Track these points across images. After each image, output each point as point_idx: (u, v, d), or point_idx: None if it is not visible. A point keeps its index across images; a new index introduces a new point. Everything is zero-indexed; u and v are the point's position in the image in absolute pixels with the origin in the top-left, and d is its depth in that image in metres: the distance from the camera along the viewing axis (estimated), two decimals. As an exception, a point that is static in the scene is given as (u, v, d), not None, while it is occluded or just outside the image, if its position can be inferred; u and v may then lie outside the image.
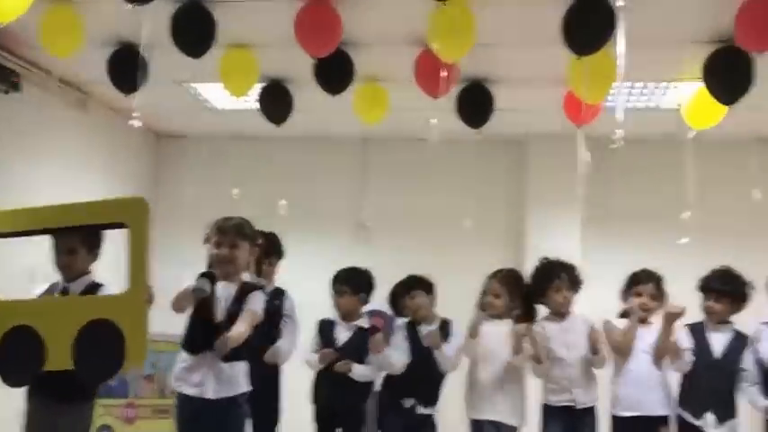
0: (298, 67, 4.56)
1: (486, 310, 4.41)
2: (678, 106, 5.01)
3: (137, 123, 4.35)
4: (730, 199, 5.11)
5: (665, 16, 4.11)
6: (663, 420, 4.31)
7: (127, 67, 4.48)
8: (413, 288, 4.63)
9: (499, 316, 4.37)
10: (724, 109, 4.39)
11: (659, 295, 4.40)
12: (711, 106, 4.37)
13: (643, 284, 4.40)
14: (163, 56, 4.34)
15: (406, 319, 4.64)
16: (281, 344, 4.48)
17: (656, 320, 4.37)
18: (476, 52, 4.27)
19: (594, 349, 4.31)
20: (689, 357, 4.31)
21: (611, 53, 3.78)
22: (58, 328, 2.80)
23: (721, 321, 4.37)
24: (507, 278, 4.49)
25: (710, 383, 4.31)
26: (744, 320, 4.41)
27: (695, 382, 4.33)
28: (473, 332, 4.31)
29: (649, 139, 6.12)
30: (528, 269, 4.59)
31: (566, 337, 4.37)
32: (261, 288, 3.79)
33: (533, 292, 4.48)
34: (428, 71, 4.29)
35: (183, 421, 3.58)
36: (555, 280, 4.41)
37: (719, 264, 4.42)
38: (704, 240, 4.61)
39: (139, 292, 2.77)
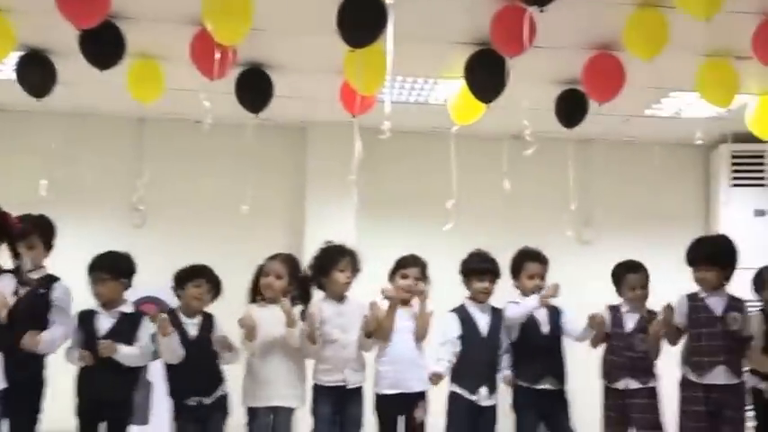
0: (61, 36, 4.39)
1: (263, 292, 4.52)
2: (444, 102, 5.39)
3: None
4: (486, 189, 5.57)
5: (432, 16, 4.41)
6: (421, 396, 4.66)
7: None
8: (195, 277, 4.60)
9: (274, 299, 4.46)
10: (483, 106, 4.80)
11: (424, 278, 4.78)
12: (472, 103, 4.76)
13: (409, 268, 4.76)
14: None
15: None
16: (45, 334, 4.18)
17: (416, 302, 4.72)
18: (256, 37, 4.41)
19: (368, 333, 4.58)
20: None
21: (383, 47, 3.94)
22: None
23: (480, 301, 4.83)
24: (288, 260, 4.63)
25: (481, 359, 4.75)
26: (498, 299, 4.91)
27: (468, 359, 4.73)
28: (249, 334, 4.35)
29: (420, 131, 6.56)
30: (307, 255, 4.79)
31: (341, 320, 4.58)
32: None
33: (316, 273, 4.65)
34: (204, 52, 4.30)
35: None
36: (340, 261, 4.61)
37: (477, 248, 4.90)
38: (464, 227, 5.01)
39: None
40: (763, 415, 4.56)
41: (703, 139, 5.40)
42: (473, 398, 4.67)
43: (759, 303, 4.74)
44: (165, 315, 4.43)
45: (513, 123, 4.61)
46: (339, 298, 4.64)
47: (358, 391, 4.61)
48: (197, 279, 4.60)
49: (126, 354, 4.40)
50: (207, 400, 4.49)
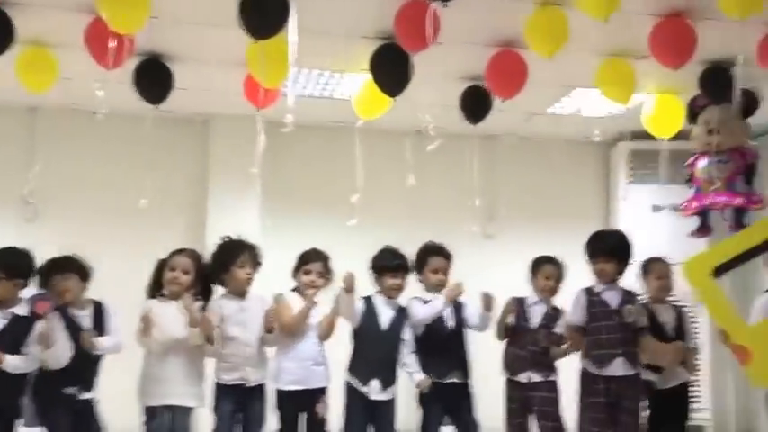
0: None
1: (168, 287, 4.44)
2: (349, 96, 5.38)
3: None
4: (391, 184, 5.60)
5: (337, 9, 4.40)
6: (322, 392, 4.66)
7: None
8: (64, 269, 4.43)
9: (178, 295, 4.40)
10: (388, 101, 4.80)
11: (327, 273, 4.77)
12: (377, 98, 4.75)
13: (312, 263, 4.74)
14: None
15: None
16: None
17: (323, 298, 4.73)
18: (155, 26, 4.32)
19: (269, 328, 4.54)
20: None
21: (287, 40, 3.92)
22: None
23: (391, 296, 4.85)
24: (194, 255, 4.57)
25: (377, 352, 4.75)
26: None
27: (364, 350, 4.74)
28: (146, 330, 4.28)
29: (324, 125, 6.54)
30: (209, 249, 4.72)
31: (242, 316, 4.52)
32: None
33: (216, 269, 4.59)
34: (99, 40, 4.18)
35: None
36: (240, 257, 4.56)
37: (382, 243, 4.91)
38: (369, 222, 5.03)
39: None
40: (654, 405, 4.70)
41: (603, 136, 5.54)
42: (364, 389, 4.68)
43: (643, 295, 4.90)
44: (44, 330, 4.22)
45: (417, 119, 4.63)
46: (240, 294, 4.59)
47: (260, 389, 4.57)
48: (63, 272, 4.42)
49: (13, 365, 4.21)
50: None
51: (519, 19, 4.26)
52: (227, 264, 4.57)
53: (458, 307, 4.89)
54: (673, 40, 4.35)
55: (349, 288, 4.56)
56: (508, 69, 4.75)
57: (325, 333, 4.69)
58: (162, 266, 4.53)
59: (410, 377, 4.75)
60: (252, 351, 4.52)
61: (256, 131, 4.31)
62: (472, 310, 4.86)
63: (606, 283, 4.73)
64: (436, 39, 3.96)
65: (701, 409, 6.53)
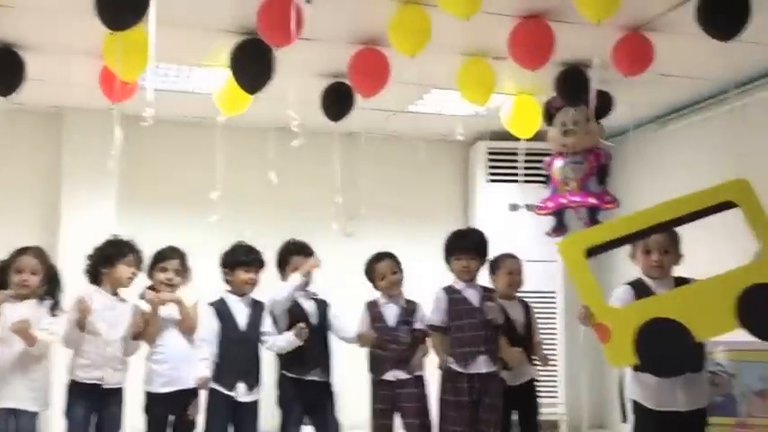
0: None
1: (17, 289, 4.24)
2: (210, 91, 5.25)
3: None
4: (253, 181, 5.53)
5: (198, 2, 4.30)
6: (194, 393, 4.54)
7: None
8: None
9: (27, 296, 4.23)
10: (250, 97, 4.73)
11: (184, 270, 4.66)
12: (238, 94, 4.66)
13: (168, 260, 4.62)
14: None
15: None
16: None
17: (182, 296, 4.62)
18: (5, 14, 4.17)
19: (135, 335, 4.42)
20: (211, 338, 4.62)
21: (145, 31, 3.80)
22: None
23: (244, 292, 4.77)
24: (41, 253, 4.38)
25: (240, 354, 4.65)
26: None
27: (226, 355, 4.63)
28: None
29: (184, 120, 6.41)
30: (62, 247, 4.54)
31: (112, 314, 4.38)
32: None
33: (99, 262, 4.44)
34: None
35: None
36: (129, 255, 4.45)
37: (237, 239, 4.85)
38: (231, 219, 4.95)
39: None
40: (505, 402, 4.79)
41: (462, 135, 5.63)
42: (231, 394, 4.59)
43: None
44: None
45: (279, 115, 4.58)
46: (116, 293, 4.46)
47: (117, 392, 4.41)
48: None
49: None
50: None
51: (382, 17, 4.27)
52: (114, 259, 4.43)
53: (321, 305, 4.88)
54: (531, 41, 4.45)
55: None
56: (371, 67, 4.76)
57: (189, 328, 4.57)
58: (6, 266, 4.31)
59: (286, 344, 4.64)
60: (113, 352, 4.37)
61: (112, 125, 4.17)
62: (337, 312, 4.86)
63: (466, 281, 4.80)
64: (299, 35, 3.93)
65: (556, 403, 6.76)
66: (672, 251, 3.73)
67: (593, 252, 3.43)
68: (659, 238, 3.67)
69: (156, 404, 4.50)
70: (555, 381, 6.72)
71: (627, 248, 3.83)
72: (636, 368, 3.67)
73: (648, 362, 3.31)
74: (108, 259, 4.45)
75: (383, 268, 4.88)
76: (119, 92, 4.61)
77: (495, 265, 5.01)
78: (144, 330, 4.49)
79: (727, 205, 3.37)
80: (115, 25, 3.82)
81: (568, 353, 6.80)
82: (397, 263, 4.92)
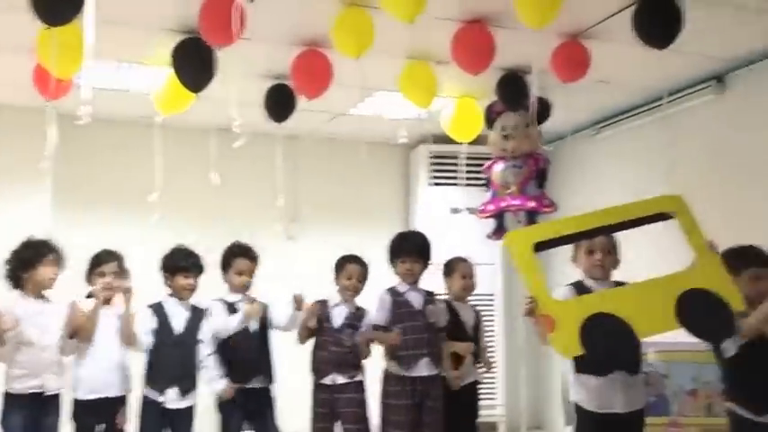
0: None
1: None
2: (149, 90, 5.13)
3: None
4: (194, 182, 5.44)
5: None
6: (122, 401, 4.46)
7: None
8: None
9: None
10: (191, 97, 4.64)
11: (123, 273, 4.55)
12: (179, 93, 4.58)
13: (105, 264, 4.51)
14: None
15: None
16: None
17: (119, 300, 4.53)
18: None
19: (70, 334, 4.30)
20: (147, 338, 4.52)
21: (81, 27, 3.64)
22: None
23: (183, 298, 4.68)
24: None
25: (174, 359, 4.56)
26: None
27: (160, 359, 4.54)
28: None
29: (122, 120, 6.27)
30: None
31: (41, 320, 4.25)
32: None
33: (17, 266, 4.30)
34: None
35: None
36: (48, 255, 4.31)
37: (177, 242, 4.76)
38: (171, 221, 4.86)
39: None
40: (447, 404, 4.78)
41: (405, 139, 5.62)
42: (161, 399, 4.51)
43: (445, 294, 5.00)
44: None
45: (221, 116, 4.49)
46: (40, 295, 4.32)
47: (56, 399, 4.29)
48: None
49: None
50: None
51: (325, 18, 4.23)
52: (34, 261, 4.29)
53: (263, 309, 4.80)
54: (473, 45, 4.46)
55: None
56: (314, 69, 4.71)
57: (126, 337, 4.47)
58: None
59: (209, 385, 4.60)
60: (50, 357, 4.25)
61: (46, 124, 4.04)
62: (278, 311, 4.78)
63: (410, 284, 4.78)
64: (242, 35, 3.85)
65: (495, 405, 6.79)
66: (613, 253, 3.80)
67: (540, 247, 3.46)
68: (603, 239, 3.75)
69: (83, 412, 4.39)
70: (494, 382, 6.74)
71: (563, 254, 3.87)
72: (578, 370, 3.71)
73: (592, 355, 3.32)
74: (27, 262, 4.31)
75: (354, 271, 4.82)
76: (53, 89, 4.45)
77: (449, 269, 5.02)
78: (80, 330, 4.36)
79: (663, 216, 3.48)
80: (51, 20, 3.70)
81: (508, 355, 6.85)
82: (366, 273, 4.87)
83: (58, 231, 4.86)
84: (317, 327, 4.76)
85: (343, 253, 4.93)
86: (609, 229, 3.61)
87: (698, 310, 3.30)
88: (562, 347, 3.36)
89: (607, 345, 3.30)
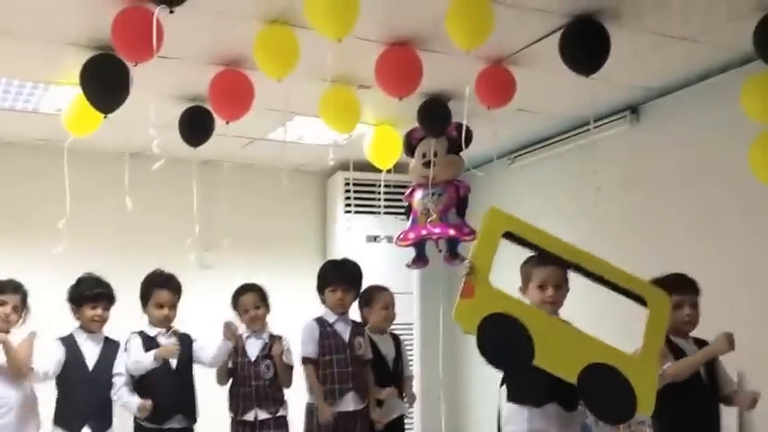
0: None
1: None
2: (57, 111, 4.80)
3: None
4: (103, 209, 5.10)
5: (43, 12, 3.85)
6: None
7: None
8: None
9: None
10: (100, 118, 4.30)
11: (23, 307, 4.19)
12: (89, 114, 4.23)
13: (7, 294, 4.15)
14: None
15: None
16: None
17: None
18: None
19: None
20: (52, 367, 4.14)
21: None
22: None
23: (92, 330, 4.32)
24: None
25: (86, 396, 4.21)
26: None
27: (71, 396, 4.17)
28: None
29: (28, 143, 5.87)
30: None
31: None
32: None
33: None
34: None
35: None
36: None
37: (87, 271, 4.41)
38: (79, 249, 4.51)
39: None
40: None
41: (321, 165, 5.41)
42: None
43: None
44: None
45: (134, 139, 4.19)
46: None
47: None
48: None
49: None
50: None
51: (246, 36, 3.99)
52: None
53: (184, 342, 4.47)
54: (398, 69, 4.29)
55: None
56: (233, 90, 4.44)
57: (17, 369, 4.08)
58: None
59: (126, 407, 4.23)
60: None
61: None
62: (202, 344, 4.47)
63: (339, 314, 4.54)
64: (159, 50, 3.57)
65: (414, 434, 6.59)
66: (563, 286, 3.59)
67: (509, 236, 3.35)
68: (556, 272, 3.52)
69: None
70: (411, 412, 6.53)
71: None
72: (511, 399, 3.55)
73: (480, 344, 3.24)
74: None
75: (246, 302, 4.55)
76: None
77: (368, 299, 4.80)
78: None
79: (639, 299, 3.38)
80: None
81: (425, 384, 6.64)
82: (262, 297, 4.62)
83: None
84: (232, 365, 4.46)
85: (239, 286, 4.67)
86: (581, 272, 3.45)
87: (603, 384, 3.24)
88: (461, 317, 3.26)
89: (499, 345, 3.23)
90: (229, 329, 4.42)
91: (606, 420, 3.63)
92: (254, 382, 4.44)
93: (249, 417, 4.42)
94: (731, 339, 3.65)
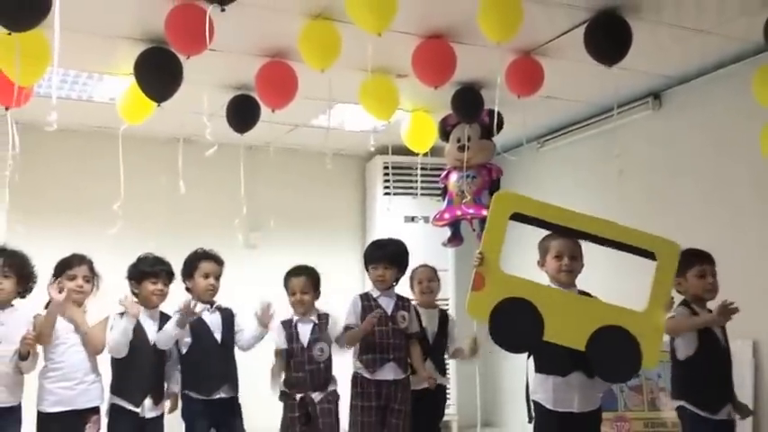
0: None
1: None
2: (111, 100, 4.89)
3: None
4: (156, 192, 5.18)
5: (102, 7, 3.95)
6: (94, 411, 4.12)
7: None
8: None
9: None
10: (152, 106, 4.38)
11: (93, 277, 4.23)
12: (142, 103, 4.33)
13: (76, 267, 4.16)
14: None
15: None
16: None
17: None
18: None
19: (24, 354, 3.89)
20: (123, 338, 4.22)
21: (46, 36, 3.48)
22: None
23: (157, 305, 4.39)
24: None
25: (147, 369, 4.22)
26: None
27: (133, 368, 4.19)
28: None
29: (84, 129, 5.97)
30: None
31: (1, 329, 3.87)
32: None
33: None
34: None
35: None
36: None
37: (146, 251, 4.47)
38: (131, 231, 4.60)
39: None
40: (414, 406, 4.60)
41: (361, 149, 5.45)
42: (137, 410, 4.18)
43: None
44: None
45: (184, 126, 4.25)
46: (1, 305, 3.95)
47: (10, 411, 3.90)
48: None
49: None
50: None
51: (290, 30, 4.04)
52: None
53: (227, 317, 4.50)
54: (434, 60, 4.32)
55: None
56: (279, 80, 4.50)
57: (95, 346, 4.14)
58: None
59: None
60: (6, 369, 3.87)
61: (6, 133, 3.76)
62: (242, 325, 4.51)
63: (382, 290, 4.59)
64: (211, 44, 3.63)
65: (448, 404, 6.63)
66: (579, 258, 3.62)
67: (518, 217, 3.34)
68: (570, 244, 3.56)
69: (49, 425, 4.00)
70: (449, 383, 6.59)
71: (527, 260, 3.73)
72: (538, 369, 3.59)
73: (492, 332, 3.28)
74: None
75: (294, 285, 4.52)
76: (15, 98, 4.14)
77: (411, 277, 4.86)
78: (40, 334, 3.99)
79: (648, 254, 3.37)
80: (14, 26, 3.40)
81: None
82: (312, 282, 4.52)
83: (15, 240, 4.56)
84: (286, 348, 4.46)
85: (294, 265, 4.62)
86: (590, 238, 3.45)
87: (611, 345, 3.27)
88: (473, 309, 3.30)
89: (509, 328, 3.27)
90: (265, 314, 4.42)
91: (611, 380, 3.70)
92: (309, 367, 4.39)
93: (303, 395, 4.39)
94: (725, 311, 3.71)
